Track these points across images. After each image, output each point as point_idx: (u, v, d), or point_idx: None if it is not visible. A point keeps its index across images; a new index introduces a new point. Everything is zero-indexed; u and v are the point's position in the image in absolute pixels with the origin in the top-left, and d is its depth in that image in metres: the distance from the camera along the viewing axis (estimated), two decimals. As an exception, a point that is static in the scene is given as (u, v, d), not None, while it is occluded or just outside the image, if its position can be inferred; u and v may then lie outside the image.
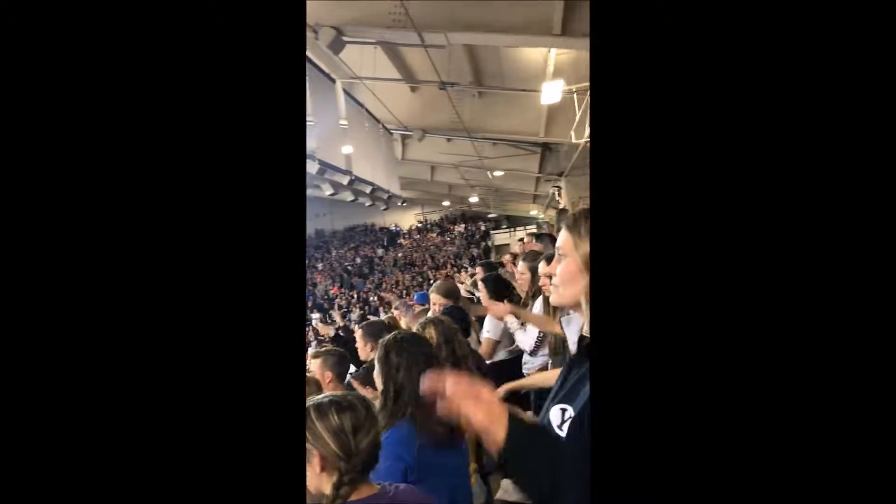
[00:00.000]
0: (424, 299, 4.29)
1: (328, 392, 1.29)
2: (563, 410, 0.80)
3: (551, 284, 0.90)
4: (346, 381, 2.18)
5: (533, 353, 2.56)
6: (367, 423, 1.02)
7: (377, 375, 1.44)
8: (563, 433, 0.78)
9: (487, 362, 2.80)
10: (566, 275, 0.86)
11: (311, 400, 1.04)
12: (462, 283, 4.43)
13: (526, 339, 2.54)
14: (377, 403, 1.40)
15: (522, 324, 2.54)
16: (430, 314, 2.69)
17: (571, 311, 1.08)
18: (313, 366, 2.11)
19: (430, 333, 1.77)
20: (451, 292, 2.82)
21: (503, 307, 2.36)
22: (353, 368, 2.43)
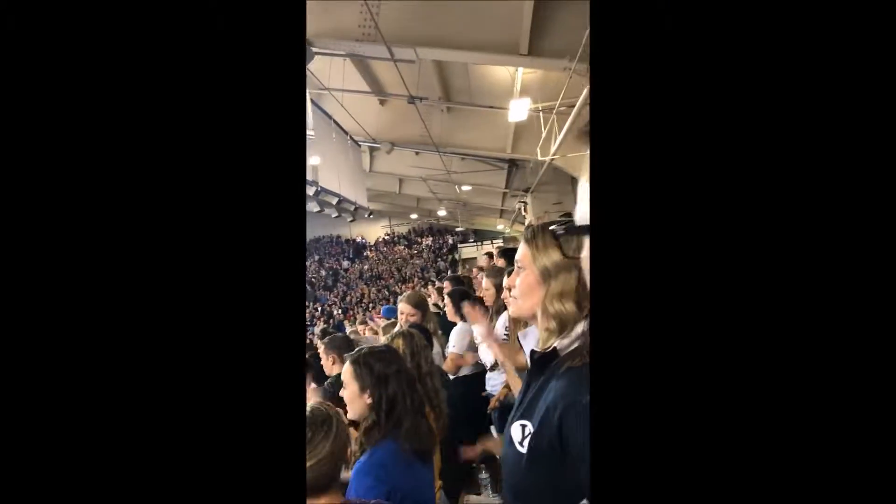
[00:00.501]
0: (391, 313, 4.26)
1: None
2: (523, 427, 0.81)
3: (511, 297, 0.92)
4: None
5: (493, 368, 2.57)
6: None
7: (357, 391, 1.39)
8: (523, 449, 0.79)
9: (451, 377, 2.80)
10: (524, 287, 0.88)
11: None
12: (429, 296, 4.43)
13: (489, 353, 2.56)
14: (362, 421, 1.37)
15: None
16: (398, 326, 2.68)
17: (529, 324, 1.10)
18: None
19: (399, 345, 1.76)
20: (420, 303, 2.82)
21: (481, 316, 2.38)
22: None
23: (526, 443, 0.78)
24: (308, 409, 1.16)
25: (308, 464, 1.06)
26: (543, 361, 0.84)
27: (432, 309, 3.22)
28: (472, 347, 2.78)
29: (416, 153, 9.62)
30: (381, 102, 8.11)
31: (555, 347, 0.83)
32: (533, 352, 0.87)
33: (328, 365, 2.32)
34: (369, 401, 1.37)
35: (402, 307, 2.79)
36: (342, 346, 2.41)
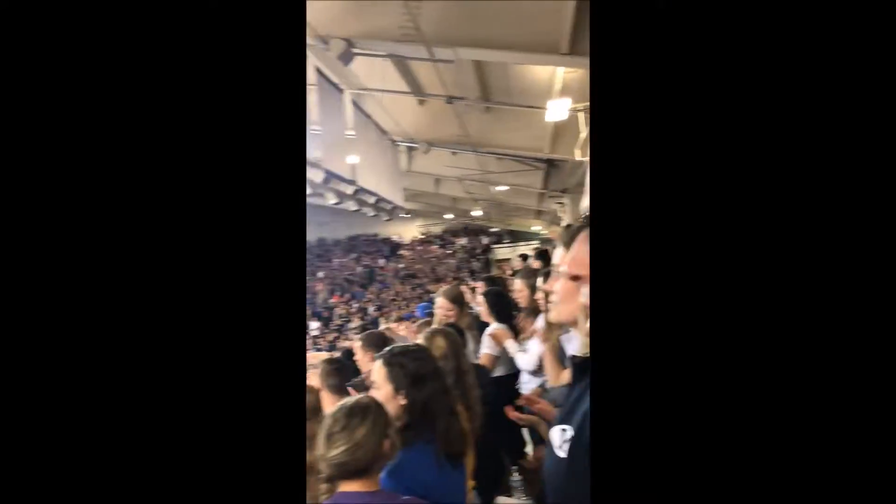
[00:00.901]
0: (425, 311, 4.26)
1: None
2: (563, 431, 0.81)
3: (550, 301, 0.90)
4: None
5: (535, 373, 2.54)
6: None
7: (391, 392, 1.36)
8: (563, 453, 0.78)
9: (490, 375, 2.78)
10: (564, 291, 0.86)
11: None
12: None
13: (527, 360, 2.52)
14: (396, 422, 1.37)
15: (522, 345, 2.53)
16: (434, 323, 2.67)
17: (571, 329, 1.08)
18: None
19: (438, 344, 1.73)
20: (457, 299, 2.79)
21: (504, 334, 2.35)
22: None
23: (565, 447, 0.78)
24: (344, 401, 1.19)
25: (342, 448, 1.08)
26: (584, 366, 0.82)
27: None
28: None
29: (453, 153, 9.62)
30: (420, 102, 8.15)
31: None
32: (574, 356, 0.86)
33: (364, 362, 2.34)
34: (403, 402, 1.35)
35: (440, 302, 2.77)
36: (379, 343, 2.43)
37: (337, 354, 2.44)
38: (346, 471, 1.10)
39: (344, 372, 2.17)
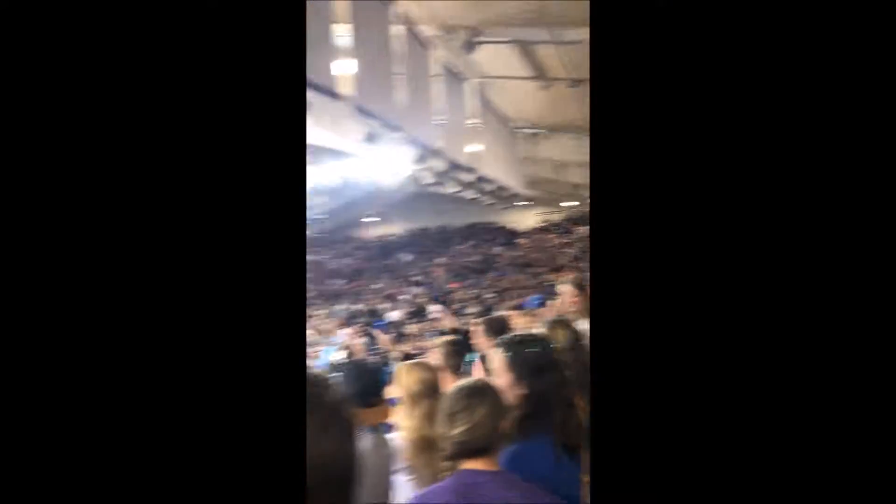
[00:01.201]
0: (536, 302, 4.17)
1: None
2: None
3: None
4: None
5: None
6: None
7: (511, 381, 1.35)
8: None
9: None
10: None
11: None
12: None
13: None
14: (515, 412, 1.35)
15: None
16: (556, 311, 2.59)
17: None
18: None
19: (560, 335, 1.67)
20: (584, 286, 2.65)
21: None
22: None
23: None
24: (461, 382, 1.23)
25: (463, 427, 1.12)
26: None
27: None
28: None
29: (576, 138, 9.29)
30: (542, 88, 7.97)
31: None
32: None
33: (483, 346, 2.38)
34: (522, 391, 1.34)
35: (566, 289, 2.64)
36: (500, 329, 2.44)
37: (455, 337, 2.50)
38: (467, 449, 1.14)
39: (463, 354, 2.23)
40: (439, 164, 5.95)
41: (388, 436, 1.52)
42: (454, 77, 6.34)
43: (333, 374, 1.61)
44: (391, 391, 1.63)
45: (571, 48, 5.19)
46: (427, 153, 6.05)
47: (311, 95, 4.91)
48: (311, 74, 4.62)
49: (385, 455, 1.46)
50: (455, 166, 6.27)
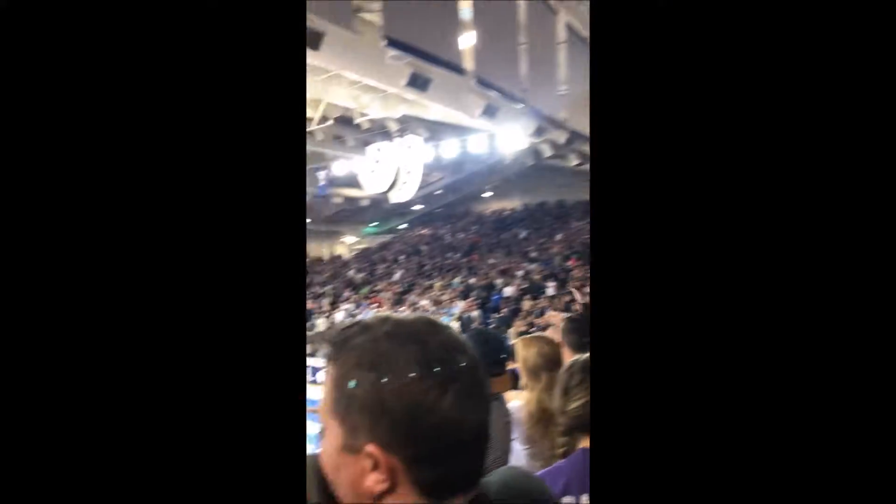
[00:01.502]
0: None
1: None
2: None
3: None
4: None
5: None
6: None
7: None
8: None
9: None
10: None
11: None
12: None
13: None
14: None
15: None
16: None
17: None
18: None
19: None
20: None
21: None
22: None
23: None
24: (577, 357, 1.19)
25: (581, 401, 1.10)
26: None
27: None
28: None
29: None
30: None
31: None
32: None
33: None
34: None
35: None
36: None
37: (577, 313, 2.45)
38: (584, 424, 1.11)
39: (583, 330, 2.17)
40: (560, 136, 5.75)
41: (510, 404, 1.54)
42: (582, 43, 6.02)
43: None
44: (511, 363, 1.65)
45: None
46: (547, 125, 5.86)
47: (433, 70, 4.98)
48: (434, 49, 4.68)
49: (505, 423, 1.48)
50: (576, 137, 6.02)
